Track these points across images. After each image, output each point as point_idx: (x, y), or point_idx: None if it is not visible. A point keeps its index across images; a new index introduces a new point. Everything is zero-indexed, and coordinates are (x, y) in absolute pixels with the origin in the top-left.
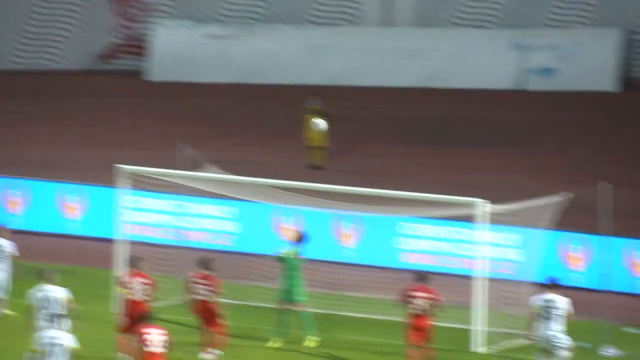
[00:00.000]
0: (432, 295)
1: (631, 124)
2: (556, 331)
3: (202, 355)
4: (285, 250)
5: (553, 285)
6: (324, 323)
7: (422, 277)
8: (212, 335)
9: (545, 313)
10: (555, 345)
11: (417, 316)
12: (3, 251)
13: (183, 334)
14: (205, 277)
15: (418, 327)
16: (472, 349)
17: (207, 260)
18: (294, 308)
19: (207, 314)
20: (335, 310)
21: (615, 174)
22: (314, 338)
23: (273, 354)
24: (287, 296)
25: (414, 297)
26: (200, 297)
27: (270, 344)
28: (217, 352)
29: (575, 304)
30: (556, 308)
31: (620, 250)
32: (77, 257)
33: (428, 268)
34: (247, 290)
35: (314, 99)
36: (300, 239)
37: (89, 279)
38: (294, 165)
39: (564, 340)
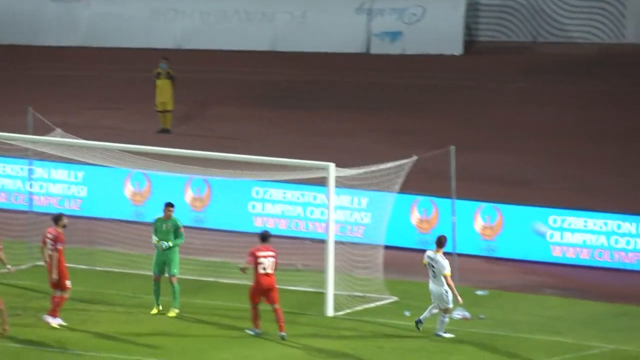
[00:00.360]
0: (275, 254)
1: (474, 87)
2: (435, 288)
3: (45, 318)
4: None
5: (438, 244)
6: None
7: (266, 236)
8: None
9: (429, 270)
10: (434, 301)
11: (266, 275)
12: None
13: (34, 300)
14: (52, 233)
15: (267, 287)
16: (326, 312)
17: (56, 216)
18: (170, 280)
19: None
20: (188, 275)
21: (461, 137)
22: (177, 310)
23: (118, 317)
24: (163, 268)
25: (261, 257)
26: (49, 253)
27: (153, 311)
28: (58, 320)
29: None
30: (434, 267)
31: (467, 212)
32: None
33: (281, 232)
34: (97, 254)
35: (162, 62)
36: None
37: None
38: (144, 130)
39: (438, 297)
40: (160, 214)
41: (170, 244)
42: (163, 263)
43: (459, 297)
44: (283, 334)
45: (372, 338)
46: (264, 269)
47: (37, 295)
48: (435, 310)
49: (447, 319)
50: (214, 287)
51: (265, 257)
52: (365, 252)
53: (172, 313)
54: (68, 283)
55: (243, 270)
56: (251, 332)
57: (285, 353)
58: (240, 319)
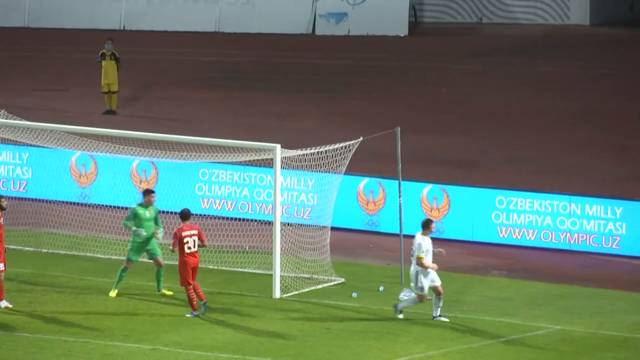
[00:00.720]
0: (199, 231)
1: (420, 68)
2: (411, 268)
3: None
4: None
5: (422, 226)
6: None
7: (187, 215)
8: None
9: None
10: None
11: (192, 255)
12: None
13: None
14: None
15: (193, 265)
16: (274, 294)
17: None
18: (155, 262)
19: None
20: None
21: (406, 119)
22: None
23: (65, 299)
24: (141, 255)
25: (186, 236)
26: None
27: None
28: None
29: (371, 248)
30: (412, 249)
31: (413, 194)
32: None
33: (228, 214)
34: (43, 236)
35: (108, 44)
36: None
37: None
38: (90, 111)
39: (411, 278)
40: (138, 200)
41: (157, 233)
42: (143, 249)
43: (432, 266)
44: (206, 301)
45: (319, 320)
46: (189, 247)
47: None
48: (409, 293)
49: (440, 302)
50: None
51: (189, 235)
52: (312, 233)
53: (168, 292)
54: (1, 265)
55: (173, 250)
56: (190, 315)
57: (233, 335)
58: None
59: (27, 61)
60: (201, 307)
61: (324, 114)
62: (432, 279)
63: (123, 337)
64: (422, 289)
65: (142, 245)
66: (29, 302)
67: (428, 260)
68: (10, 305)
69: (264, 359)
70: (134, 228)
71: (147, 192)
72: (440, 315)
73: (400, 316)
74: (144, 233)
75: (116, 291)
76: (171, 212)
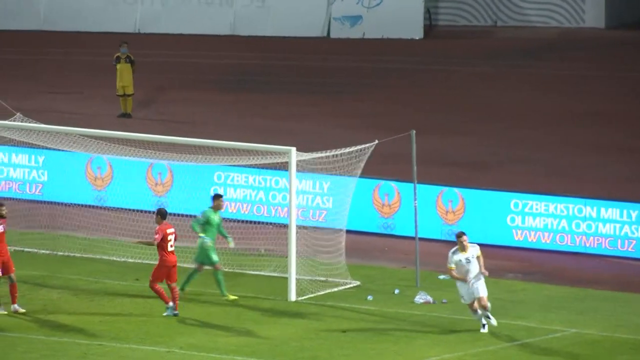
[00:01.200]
0: (175, 230)
1: (435, 71)
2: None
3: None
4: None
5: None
6: (140, 273)
7: (165, 213)
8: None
9: None
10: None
11: (172, 252)
12: None
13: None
14: None
15: (173, 264)
16: (289, 297)
17: None
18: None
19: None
20: (151, 260)
21: (421, 121)
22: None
23: (80, 302)
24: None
25: (169, 234)
26: None
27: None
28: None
29: (386, 251)
30: None
31: (429, 197)
32: None
33: (243, 216)
34: (58, 239)
35: (123, 47)
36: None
37: None
38: (105, 114)
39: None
40: (206, 206)
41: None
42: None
43: (484, 271)
44: (177, 312)
45: (335, 323)
46: (171, 245)
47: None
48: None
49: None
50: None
51: (171, 233)
52: (328, 236)
53: (232, 296)
54: None
55: (155, 244)
56: (170, 313)
57: (248, 338)
58: (207, 303)
59: (42, 64)
60: (169, 310)
61: (338, 117)
62: (474, 290)
63: (138, 340)
64: (462, 297)
65: (210, 249)
66: (44, 304)
67: (458, 271)
68: (23, 310)
69: None
70: (201, 235)
71: (218, 197)
72: (484, 325)
73: (484, 330)
74: (209, 243)
75: (230, 295)
76: (186, 215)
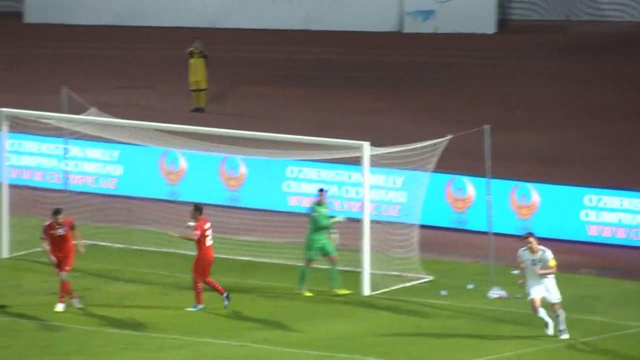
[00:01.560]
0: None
1: (508, 66)
2: None
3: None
4: (316, 206)
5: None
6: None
7: (201, 209)
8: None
9: None
10: None
11: (211, 248)
12: None
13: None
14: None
15: (212, 260)
16: (362, 291)
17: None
18: (329, 261)
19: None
20: (221, 254)
21: (495, 116)
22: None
23: (154, 296)
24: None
25: (207, 229)
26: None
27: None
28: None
29: (460, 246)
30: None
31: (502, 192)
32: None
33: None
34: (133, 233)
35: (196, 42)
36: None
37: None
38: (178, 109)
39: None
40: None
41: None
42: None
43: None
44: (203, 306)
45: (408, 317)
46: (209, 240)
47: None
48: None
49: (557, 319)
50: (251, 267)
51: (209, 229)
52: (401, 231)
53: (344, 291)
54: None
55: (195, 238)
56: (193, 309)
57: (322, 332)
58: (280, 297)
59: (115, 59)
60: (224, 300)
61: (411, 111)
62: (544, 291)
63: (212, 334)
64: (528, 294)
65: (322, 242)
66: (118, 298)
67: (527, 272)
68: (81, 305)
69: (352, 356)
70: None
71: (322, 191)
72: (560, 331)
73: (564, 336)
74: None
75: (306, 292)
76: (257, 210)
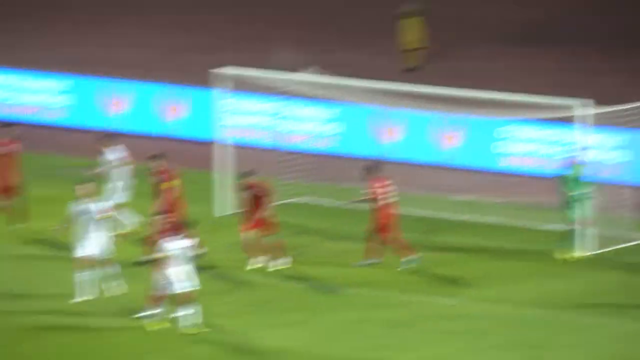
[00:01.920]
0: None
1: None
2: None
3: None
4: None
5: None
6: (425, 225)
7: (374, 168)
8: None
9: None
10: None
11: (387, 206)
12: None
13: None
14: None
15: (387, 220)
16: (577, 251)
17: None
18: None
19: None
20: (436, 213)
21: None
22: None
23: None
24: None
25: (380, 187)
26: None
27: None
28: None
29: None
30: None
31: None
32: (177, 159)
33: (527, 171)
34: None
35: (410, 1)
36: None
37: (190, 181)
38: (390, 67)
39: None
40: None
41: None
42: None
43: None
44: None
45: (635, 276)
46: (384, 199)
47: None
48: None
49: None
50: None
51: (384, 186)
52: (621, 191)
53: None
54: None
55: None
56: (367, 262)
57: (543, 291)
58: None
59: (327, 17)
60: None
61: (631, 72)
62: None
63: (428, 292)
64: None
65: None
66: (332, 256)
67: None
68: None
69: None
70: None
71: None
72: None
73: None
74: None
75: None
76: (474, 171)
